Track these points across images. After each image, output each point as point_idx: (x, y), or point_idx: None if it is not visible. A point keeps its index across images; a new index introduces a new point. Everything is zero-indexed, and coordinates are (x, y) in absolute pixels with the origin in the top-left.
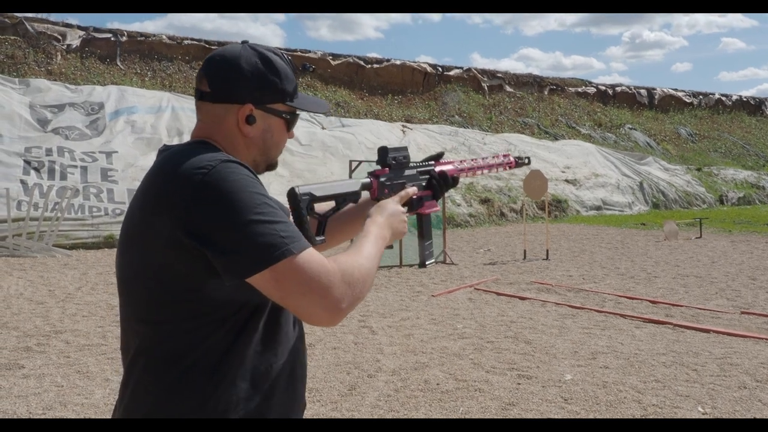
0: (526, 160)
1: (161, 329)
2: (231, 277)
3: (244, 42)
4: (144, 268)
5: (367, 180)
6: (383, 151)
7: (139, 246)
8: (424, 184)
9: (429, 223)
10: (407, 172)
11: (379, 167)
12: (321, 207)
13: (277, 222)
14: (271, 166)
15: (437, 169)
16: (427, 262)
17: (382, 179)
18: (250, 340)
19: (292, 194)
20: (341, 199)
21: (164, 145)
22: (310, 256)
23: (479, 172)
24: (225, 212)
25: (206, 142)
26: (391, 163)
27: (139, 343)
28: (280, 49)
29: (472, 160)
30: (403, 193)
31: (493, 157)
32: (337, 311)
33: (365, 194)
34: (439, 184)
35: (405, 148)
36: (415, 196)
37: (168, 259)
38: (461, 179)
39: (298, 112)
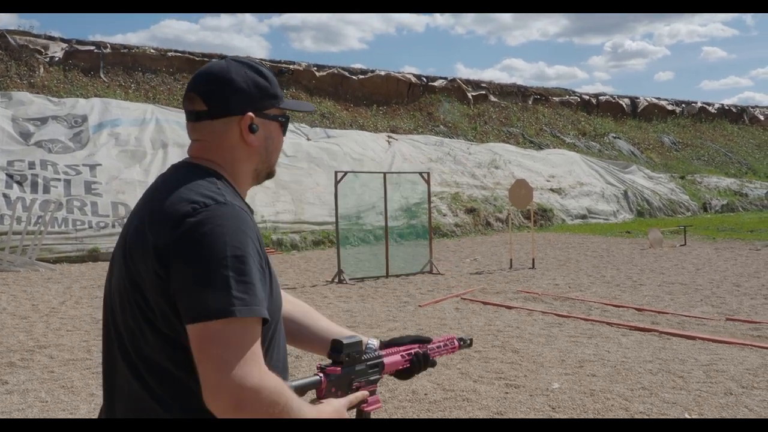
0: (468, 342)
1: (156, 341)
2: (183, 320)
3: (224, 57)
4: (137, 283)
5: (303, 382)
6: (338, 346)
7: (128, 264)
8: (371, 378)
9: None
10: (357, 368)
11: (329, 361)
12: None
13: (240, 281)
14: (271, 173)
15: (386, 361)
16: None
17: (332, 378)
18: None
19: None
20: None
21: (178, 163)
22: (251, 330)
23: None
24: (195, 256)
25: (206, 169)
26: (344, 360)
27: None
28: (265, 60)
29: (419, 347)
30: (352, 397)
31: (439, 341)
32: (237, 410)
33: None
34: (380, 374)
35: (359, 342)
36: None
37: (152, 281)
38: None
39: (288, 114)
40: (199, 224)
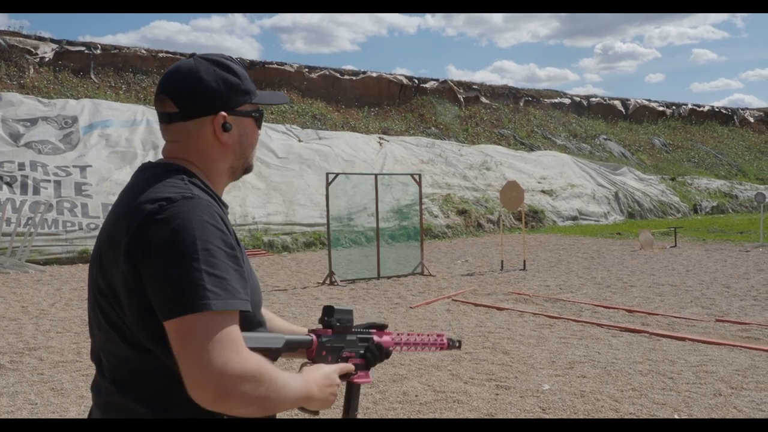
0: (457, 344)
1: (135, 341)
2: (159, 316)
3: (192, 55)
4: (110, 281)
5: (295, 338)
6: (329, 311)
7: (102, 264)
8: (361, 352)
9: (358, 393)
10: (348, 338)
11: (320, 326)
12: None
13: (213, 274)
14: (248, 168)
15: (375, 339)
16: None
17: (324, 339)
18: None
19: None
20: (261, 353)
21: (149, 162)
22: (229, 321)
23: (413, 348)
24: (165, 252)
25: (178, 168)
26: (335, 325)
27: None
28: (256, 61)
29: (408, 334)
30: (344, 366)
31: (428, 335)
32: (222, 397)
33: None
34: (373, 355)
35: (350, 311)
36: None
37: (122, 280)
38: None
39: (262, 108)
40: (166, 221)
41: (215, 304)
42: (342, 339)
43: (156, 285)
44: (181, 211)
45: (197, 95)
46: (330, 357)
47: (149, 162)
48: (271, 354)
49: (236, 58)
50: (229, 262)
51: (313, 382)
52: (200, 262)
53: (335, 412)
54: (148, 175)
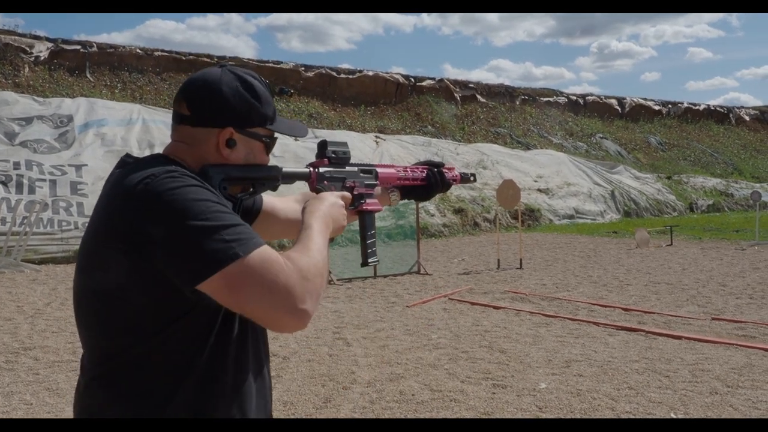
0: (471, 177)
1: (124, 340)
2: (182, 285)
3: (223, 66)
4: (102, 282)
5: (293, 170)
6: (322, 145)
7: (94, 263)
8: (366, 182)
9: (371, 221)
10: (348, 168)
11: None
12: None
13: (224, 226)
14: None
15: (380, 171)
16: (369, 260)
17: (322, 170)
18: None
19: (203, 172)
20: (259, 182)
21: (127, 154)
22: (263, 256)
23: (419, 181)
24: (167, 221)
25: (164, 156)
26: (330, 157)
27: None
28: (252, 60)
29: (413, 167)
30: (344, 193)
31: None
32: (302, 313)
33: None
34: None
35: (345, 144)
36: (356, 193)
37: (123, 272)
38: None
39: (276, 136)
40: (159, 194)
41: (242, 249)
42: (341, 170)
43: (172, 256)
44: (166, 180)
45: (211, 106)
46: (333, 187)
47: (129, 155)
48: (269, 183)
49: (264, 80)
50: (230, 212)
51: (324, 216)
52: (208, 220)
53: (334, 412)
54: (128, 165)
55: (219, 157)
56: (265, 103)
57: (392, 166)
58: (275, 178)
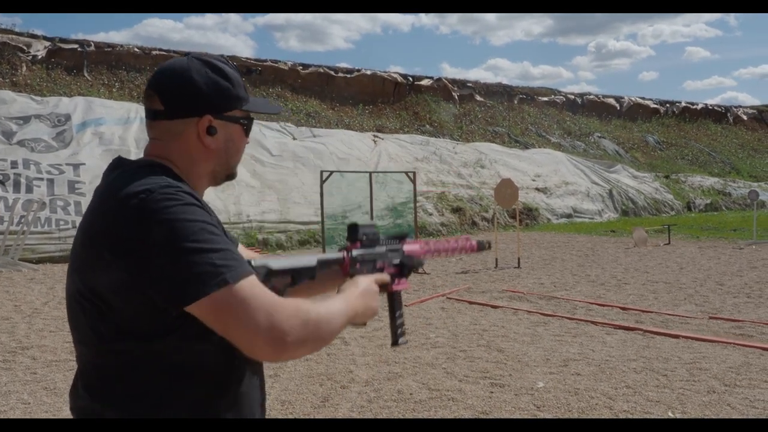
0: (486, 245)
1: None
2: (167, 304)
3: (187, 54)
4: (95, 285)
5: (327, 257)
6: (354, 228)
7: (86, 266)
8: (395, 262)
9: (399, 300)
10: (377, 249)
11: (348, 243)
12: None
13: (215, 250)
14: (231, 175)
15: (406, 249)
16: (399, 341)
17: (355, 254)
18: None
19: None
20: (297, 274)
21: (119, 157)
22: (251, 284)
23: (443, 254)
24: (159, 240)
25: (157, 164)
26: (362, 239)
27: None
28: (250, 59)
29: (436, 242)
30: (379, 276)
31: (456, 240)
32: (281, 344)
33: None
34: (407, 266)
35: (373, 225)
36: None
37: (114, 280)
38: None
39: (253, 116)
40: (153, 211)
41: (231, 276)
42: (372, 251)
43: (164, 276)
44: (161, 199)
45: (185, 95)
46: (365, 269)
47: (122, 158)
48: (307, 273)
49: (231, 62)
50: (221, 236)
51: (354, 297)
52: (200, 242)
53: (332, 411)
54: (123, 171)
55: (201, 147)
56: (237, 84)
57: (416, 242)
58: (313, 268)
